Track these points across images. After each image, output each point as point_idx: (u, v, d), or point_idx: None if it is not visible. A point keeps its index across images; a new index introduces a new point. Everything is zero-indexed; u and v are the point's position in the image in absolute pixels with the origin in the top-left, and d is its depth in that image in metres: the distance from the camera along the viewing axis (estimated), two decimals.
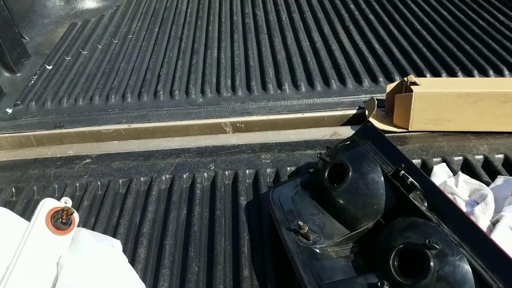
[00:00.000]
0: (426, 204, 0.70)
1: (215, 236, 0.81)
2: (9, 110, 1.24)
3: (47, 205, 0.80)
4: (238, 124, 1.14)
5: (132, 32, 1.58)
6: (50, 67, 1.41)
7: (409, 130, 1.03)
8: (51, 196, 0.95)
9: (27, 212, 0.93)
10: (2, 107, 1.25)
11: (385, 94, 1.10)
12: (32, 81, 1.35)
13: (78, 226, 0.83)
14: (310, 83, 1.23)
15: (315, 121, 1.13)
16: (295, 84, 1.23)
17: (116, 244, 0.78)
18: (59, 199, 0.94)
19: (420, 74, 1.21)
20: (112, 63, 1.39)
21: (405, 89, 1.06)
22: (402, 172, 0.73)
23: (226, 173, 0.96)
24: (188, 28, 1.57)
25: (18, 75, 1.40)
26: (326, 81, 1.23)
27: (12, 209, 0.90)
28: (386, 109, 1.10)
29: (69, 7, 1.72)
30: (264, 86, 1.24)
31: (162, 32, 1.56)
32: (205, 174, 0.96)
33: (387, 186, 0.75)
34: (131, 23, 1.64)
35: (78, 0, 1.75)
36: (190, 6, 1.73)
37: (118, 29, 1.61)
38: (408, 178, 0.72)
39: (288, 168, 0.95)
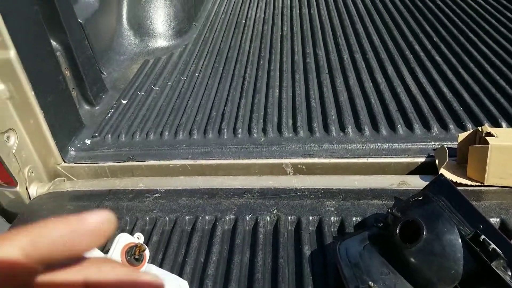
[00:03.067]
0: (510, 274, 0.66)
1: (279, 286, 0.81)
2: (88, 141, 1.34)
3: (123, 240, 0.86)
4: (299, 166, 1.14)
5: (199, 70, 1.66)
6: (125, 102, 1.52)
7: (485, 184, 0.98)
8: (123, 229, 1.01)
9: None
10: (81, 138, 1.35)
11: (456, 143, 1.05)
12: (109, 115, 1.45)
13: (147, 262, 0.88)
14: (375, 126, 1.21)
15: (381, 168, 1.10)
16: (359, 127, 1.22)
17: (183, 285, 0.81)
18: (130, 232, 1.00)
19: (495, 122, 1.16)
20: (180, 100, 1.47)
21: (480, 139, 1.01)
22: (483, 236, 0.69)
23: (289, 218, 0.96)
24: (251, 67, 1.63)
25: (96, 108, 1.51)
26: (392, 126, 1.20)
27: None
28: (459, 159, 1.05)
29: (143, 45, 1.86)
30: (326, 128, 1.24)
31: (227, 70, 1.63)
32: (268, 218, 0.97)
33: (465, 250, 0.70)
34: (198, 61, 1.73)
35: (151, 39, 1.88)
36: (253, 46, 1.80)
37: (186, 66, 1.70)
38: (490, 244, 0.68)
39: (354, 218, 0.93)
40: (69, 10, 1.39)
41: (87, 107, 1.50)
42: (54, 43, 1.33)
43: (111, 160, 1.24)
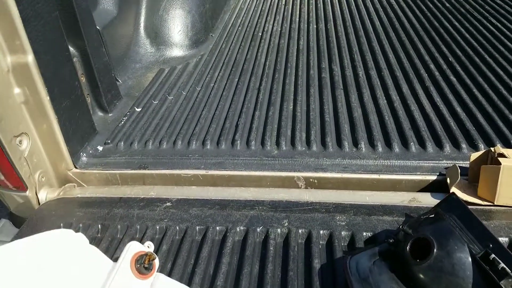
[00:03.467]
0: None
1: None
2: (100, 148, 1.35)
3: (133, 248, 0.86)
4: (311, 180, 1.14)
5: (214, 81, 1.69)
6: (139, 110, 1.54)
7: (495, 203, 0.97)
8: (133, 237, 1.02)
9: (110, 250, 0.99)
10: (94, 144, 1.36)
11: (468, 162, 1.05)
12: (122, 122, 1.47)
13: (157, 271, 0.88)
14: (388, 143, 1.22)
15: (392, 184, 1.10)
16: (372, 144, 1.22)
17: None
18: (140, 240, 1.01)
19: (507, 143, 1.15)
20: (194, 110, 1.49)
21: (491, 160, 1.01)
22: (493, 255, 0.69)
23: (300, 231, 0.96)
24: (266, 80, 1.65)
25: (110, 115, 1.53)
26: (405, 143, 1.21)
27: (97, 245, 0.97)
28: (470, 178, 1.05)
29: (159, 54, 1.90)
30: (339, 143, 1.24)
31: (242, 82, 1.65)
32: (279, 230, 0.97)
33: (475, 269, 0.71)
34: (214, 72, 1.76)
35: (167, 48, 1.92)
36: (269, 59, 1.82)
37: (202, 77, 1.73)
38: (500, 263, 0.69)
39: (364, 233, 0.93)
40: (88, 17, 1.42)
41: (100, 113, 1.52)
42: (71, 49, 1.36)
43: (123, 168, 1.25)
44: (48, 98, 1.13)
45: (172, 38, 1.94)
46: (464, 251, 0.73)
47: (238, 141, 1.29)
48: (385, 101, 1.42)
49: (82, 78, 1.43)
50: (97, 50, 1.46)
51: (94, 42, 1.44)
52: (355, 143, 1.23)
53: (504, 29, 1.87)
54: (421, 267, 0.73)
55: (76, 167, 1.26)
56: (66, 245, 0.84)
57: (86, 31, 1.39)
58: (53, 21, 1.16)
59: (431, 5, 2.27)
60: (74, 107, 1.26)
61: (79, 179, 1.27)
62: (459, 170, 1.02)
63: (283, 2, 2.56)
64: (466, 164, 1.07)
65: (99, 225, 1.06)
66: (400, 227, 0.80)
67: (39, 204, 1.20)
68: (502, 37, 1.79)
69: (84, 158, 1.29)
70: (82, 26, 1.36)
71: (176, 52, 1.93)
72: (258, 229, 0.98)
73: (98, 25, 1.52)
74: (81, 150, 1.30)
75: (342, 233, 0.94)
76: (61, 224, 1.08)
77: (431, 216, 0.83)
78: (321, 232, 0.95)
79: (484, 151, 1.03)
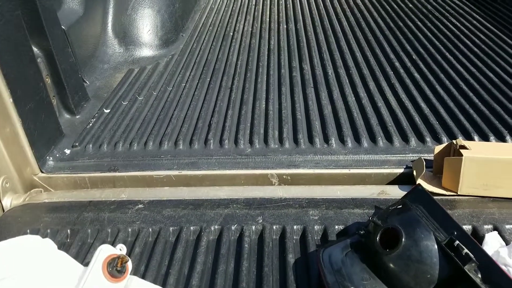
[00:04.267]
0: (480, 276, 0.70)
1: None
2: (67, 151, 1.31)
3: (104, 251, 0.84)
4: (284, 176, 1.16)
5: (185, 80, 1.68)
6: (107, 111, 1.51)
7: (458, 193, 1.02)
8: (104, 241, 1.00)
9: (80, 255, 0.96)
10: (61, 147, 1.32)
11: (432, 155, 1.10)
12: (90, 124, 1.44)
13: (130, 273, 0.86)
14: (357, 139, 1.25)
15: (362, 178, 1.14)
16: (342, 139, 1.25)
17: None
18: (112, 243, 0.99)
19: (468, 136, 1.21)
20: (166, 110, 1.48)
21: (454, 152, 1.06)
22: (457, 242, 0.73)
23: (274, 227, 0.98)
24: (238, 79, 1.65)
25: (77, 117, 1.48)
26: (373, 138, 1.24)
27: (67, 251, 0.95)
28: (435, 170, 1.09)
29: (128, 54, 1.86)
30: (311, 140, 1.27)
31: (214, 82, 1.65)
32: (253, 227, 0.98)
33: (441, 255, 0.74)
34: (185, 72, 1.75)
35: (136, 48, 1.89)
36: (241, 58, 1.83)
37: (173, 77, 1.71)
38: (463, 249, 0.72)
39: (336, 227, 0.96)
40: (52, 17, 1.38)
41: (67, 115, 1.48)
42: (35, 49, 1.32)
43: (92, 171, 1.22)
44: (11, 100, 1.09)
45: (141, 37, 1.91)
46: (430, 239, 0.76)
47: (211, 140, 1.29)
48: (354, 98, 1.46)
49: (47, 80, 1.38)
50: (63, 50, 1.42)
51: (59, 42, 1.40)
52: (326, 140, 1.26)
53: (463, 28, 1.97)
54: (391, 257, 0.75)
55: (42, 172, 1.22)
56: (33, 252, 0.81)
57: (51, 31, 1.35)
58: (15, 20, 1.12)
59: (395, 6, 2.35)
60: (39, 109, 1.22)
61: (46, 184, 1.23)
62: (424, 163, 1.06)
63: (254, 2, 2.58)
64: (430, 156, 1.12)
65: (68, 230, 1.03)
66: (370, 218, 0.83)
67: (3, 211, 1.15)
68: (462, 36, 1.89)
69: (50, 162, 1.25)
70: (46, 26, 1.32)
71: (146, 52, 1.90)
72: (232, 227, 0.98)
73: (63, 25, 1.48)
74: (47, 153, 1.26)
75: (315, 227, 0.96)
76: (28, 231, 1.04)
77: (399, 207, 0.86)
78: (295, 227, 0.97)
79: (446, 143, 1.08)
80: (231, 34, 2.13)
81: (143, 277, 0.89)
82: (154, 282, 0.87)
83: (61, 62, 1.39)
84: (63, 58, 1.41)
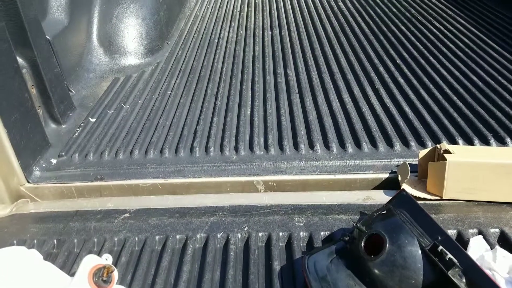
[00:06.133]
0: (464, 281, 0.70)
1: None
2: (54, 161, 1.31)
3: (90, 262, 0.84)
4: (270, 183, 1.16)
5: (171, 88, 1.68)
6: (93, 120, 1.50)
7: (443, 198, 1.03)
8: (90, 251, 0.99)
9: (67, 265, 0.96)
10: (47, 157, 1.31)
11: (417, 159, 1.11)
12: (76, 133, 1.43)
13: (116, 283, 0.86)
14: (342, 144, 1.26)
15: (347, 184, 1.14)
16: (327, 145, 1.26)
17: None
18: (98, 253, 0.98)
19: (452, 140, 1.23)
20: (152, 118, 1.47)
21: (438, 156, 1.07)
22: (441, 247, 0.74)
23: (260, 234, 0.98)
24: (223, 86, 1.66)
25: (63, 126, 1.47)
26: (358, 143, 1.25)
27: (53, 261, 0.94)
28: (419, 175, 1.11)
29: (113, 63, 1.86)
30: (296, 146, 1.27)
31: (199, 89, 1.65)
32: (239, 235, 0.98)
33: (425, 261, 0.75)
34: (170, 80, 1.75)
35: (121, 57, 1.88)
36: (226, 66, 1.84)
37: (158, 85, 1.71)
38: (447, 254, 0.72)
39: (322, 233, 0.96)
40: (37, 27, 1.37)
41: (53, 125, 1.47)
42: (20, 60, 1.31)
43: (78, 180, 1.21)
44: None
45: (126, 46, 1.91)
46: (414, 244, 0.77)
47: (197, 148, 1.29)
48: (338, 104, 1.48)
49: (32, 90, 1.37)
50: (48, 60, 1.42)
51: (44, 52, 1.40)
52: (311, 145, 1.26)
53: (447, 32, 2.00)
54: (375, 263, 0.76)
55: (28, 182, 1.21)
56: (18, 263, 0.80)
57: (35, 41, 1.34)
58: None
59: (379, 11, 2.38)
60: (24, 120, 1.21)
61: (33, 194, 1.22)
62: (409, 168, 1.07)
63: (238, 9, 2.59)
64: (415, 161, 1.13)
65: (55, 240, 1.02)
66: (355, 224, 0.83)
67: None
68: (445, 40, 1.91)
69: (37, 172, 1.24)
70: (31, 36, 1.32)
71: (131, 60, 1.90)
72: (218, 235, 0.98)
73: (48, 35, 1.48)
74: (33, 164, 1.25)
75: (301, 234, 0.97)
76: (14, 242, 1.03)
77: (383, 212, 0.86)
78: (281, 234, 0.97)
79: (431, 148, 1.09)
80: (216, 41, 2.14)
81: (129, 286, 0.89)
82: None
83: (46, 72, 1.38)
84: (48, 68, 1.40)
